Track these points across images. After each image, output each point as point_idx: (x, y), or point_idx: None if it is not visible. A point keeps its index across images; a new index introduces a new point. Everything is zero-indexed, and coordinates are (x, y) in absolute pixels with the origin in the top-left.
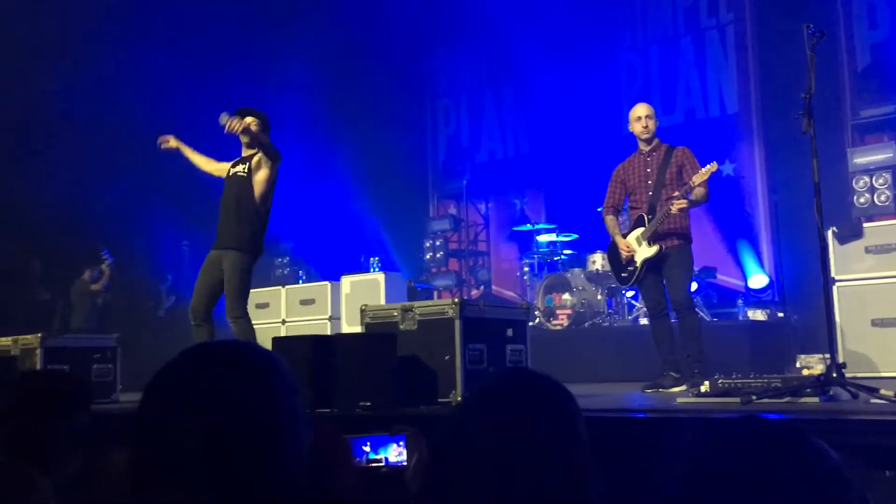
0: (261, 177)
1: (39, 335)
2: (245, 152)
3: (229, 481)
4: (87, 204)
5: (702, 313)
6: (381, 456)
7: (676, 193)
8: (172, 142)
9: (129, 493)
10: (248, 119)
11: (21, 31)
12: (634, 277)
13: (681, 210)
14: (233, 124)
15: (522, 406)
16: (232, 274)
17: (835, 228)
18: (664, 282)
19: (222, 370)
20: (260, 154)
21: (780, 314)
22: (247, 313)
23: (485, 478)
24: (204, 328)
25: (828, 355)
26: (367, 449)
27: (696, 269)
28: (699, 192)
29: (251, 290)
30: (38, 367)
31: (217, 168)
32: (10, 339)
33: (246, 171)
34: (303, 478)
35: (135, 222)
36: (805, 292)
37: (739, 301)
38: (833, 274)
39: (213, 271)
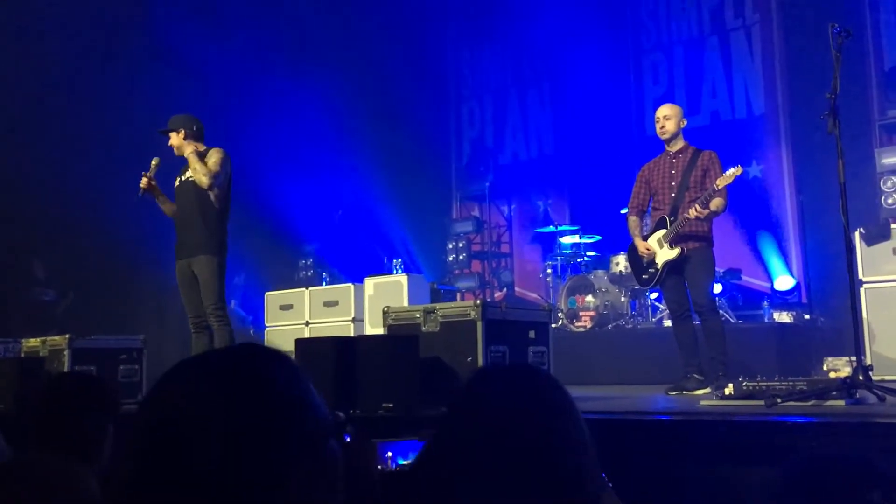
0: (220, 182)
1: (67, 336)
2: (178, 154)
3: (232, 481)
4: (93, 203)
5: (727, 315)
6: (409, 461)
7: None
8: (144, 182)
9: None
10: (173, 142)
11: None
12: (656, 279)
13: (698, 217)
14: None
15: (508, 402)
16: (209, 277)
17: (862, 230)
18: (686, 284)
19: (222, 377)
20: (211, 157)
21: (807, 316)
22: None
23: (476, 476)
24: (205, 334)
25: (854, 358)
26: (392, 454)
27: (721, 270)
28: (718, 202)
29: (276, 292)
30: (66, 368)
31: (167, 206)
32: (38, 340)
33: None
34: (349, 474)
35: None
36: (832, 294)
37: (765, 303)
38: (860, 276)
39: (190, 280)
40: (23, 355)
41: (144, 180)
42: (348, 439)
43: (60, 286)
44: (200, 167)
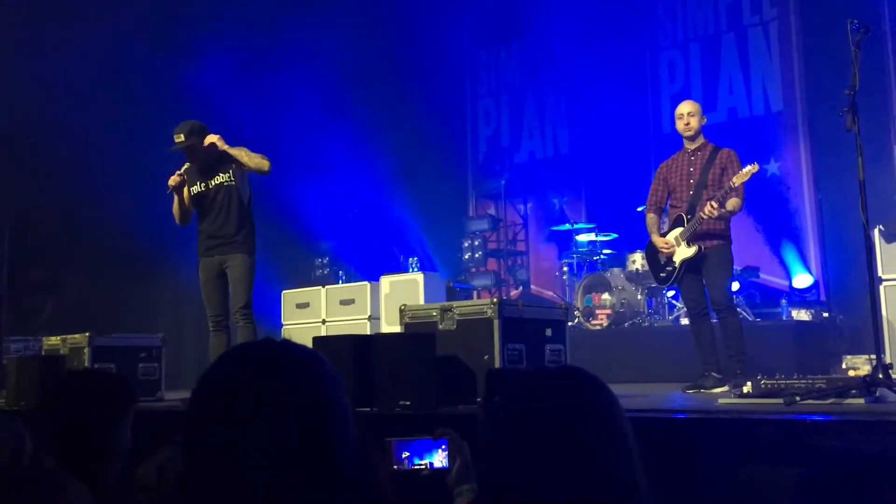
0: (245, 181)
1: (87, 334)
2: (191, 161)
3: (282, 479)
4: (112, 203)
5: (745, 313)
6: (425, 461)
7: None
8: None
9: (178, 492)
10: (215, 141)
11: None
12: (673, 277)
13: (712, 216)
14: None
15: (561, 405)
16: (245, 275)
17: (881, 227)
18: (704, 282)
19: (271, 368)
20: (235, 149)
21: (826, 314)
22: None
23: (531, 479)
24: (224, 334)
25: (874, 356)
26: (409, 454)
27: (739, 268)
28: (734, 201)
29: (293, 290)
30: (86, 365)
31: (179, 205)
32: (58, 338)
33: (230, 179)
34: (352, 474)
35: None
36: (851, 292)
37: (783, 301)
38: (880, 273)
39: (216, 278)
40: (43, 353)
41: (178, 178)
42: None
43: (77, 291)
44: (249, 156)
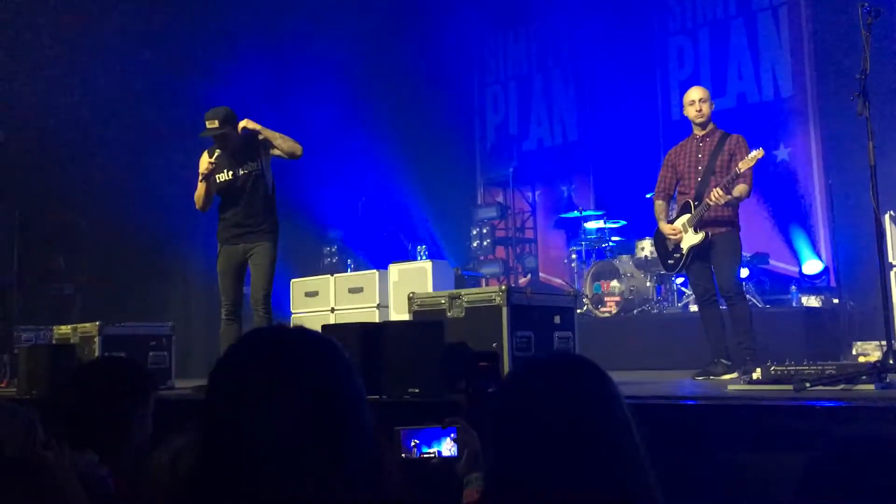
0: (270, 171)
1: (98, 323)
2: (220, 148)
3: (296, 465)
4: (122, 193)
5: (754, 300)
6: (433, 449)
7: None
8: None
9: (195, 477)
10: (252, 126)
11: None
12: (681, 264)
13: (719, 202)
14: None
15: (559, 393)
16: (268, 262)
17: (892, 212)
18: (712, 269)
19: (284, 354)
20: (272, 146)
21: (836, 300)
22: None
23: (533, 468)
24: (236, 324)
25: (885, 342)
26: (418, 442)
27: (748, 255)
28: (741, 188)
29: (302, 279)
30: (97, 354)
31: (206, 191)
32: (69, 327)
33: (258, 168)
34: (367, 461)
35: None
36: (861, 278)
37: (793, 287)
38: (890, 259)
39: (237, 267)
40: (54, 342)
41: (211, 166)
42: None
43: (79, 280)
44: (283, 140)
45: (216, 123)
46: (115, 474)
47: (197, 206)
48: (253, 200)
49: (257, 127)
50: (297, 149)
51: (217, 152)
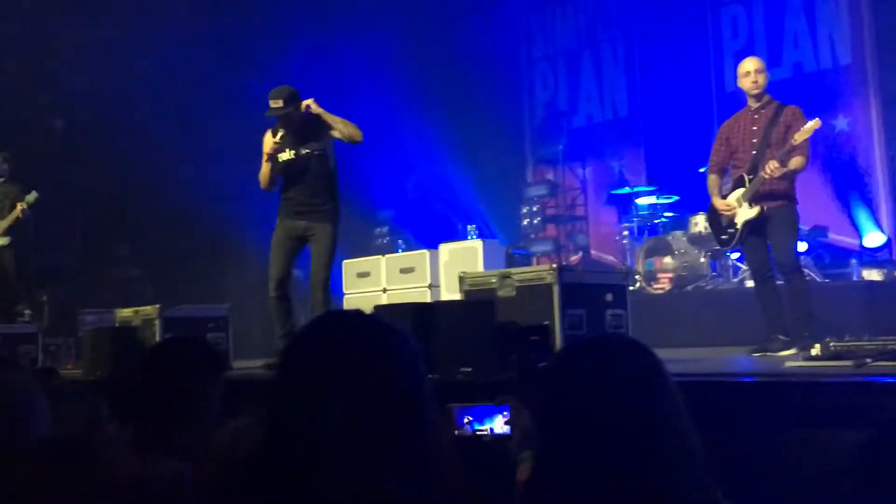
0: (333, 152)
1: (158, 306)
2: (284, 127)
3: (362, 451)
4: (178, 177)
5: (813, 274)
6: (486, 427)
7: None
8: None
9: (256, 456)
10: (314, 108)
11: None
12: (736, 239)
13: (774, 175)
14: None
15: (605, 374)
16: (330, 244)
17: None
18: (768, 243)
19: (359, 339)
20: (328, 116)
21: None
22: None
23: (581, 448)
24: (285, 300)
25: None
26: (471, 419)
27: (806, 228)
28: (797, 160)
29: (353, 260)
30: (157, 336)
31: (270, 171)
32: (131, 310)
33: (321, 148)
34: (422, 450)
35: (230, 196)
36: None
37: (853, 261)
38: None
39: (293, 241)
40: (117, 325)
41: (276, 146)
42: None
43: (145, 264)
44: (344, 124)
45: (280, 103)
46: (185, 455)
47: (262, 186)
48: (315, 180)
49: (319, 110)
50: (357, 134)
51: (281, 132)
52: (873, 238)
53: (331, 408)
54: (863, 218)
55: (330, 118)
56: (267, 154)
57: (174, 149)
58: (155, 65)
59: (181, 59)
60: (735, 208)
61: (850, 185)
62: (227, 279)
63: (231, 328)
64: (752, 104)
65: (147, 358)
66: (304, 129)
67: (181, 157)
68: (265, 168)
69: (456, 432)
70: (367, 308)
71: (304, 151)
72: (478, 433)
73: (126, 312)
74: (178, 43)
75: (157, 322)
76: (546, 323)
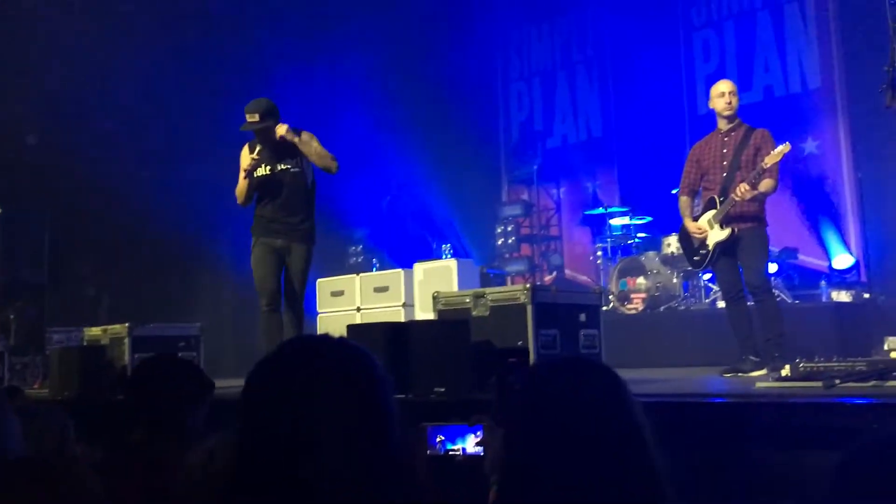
0: (311, 169)
1: (127, 325)
2: (262, 142)
3: (330, 476)
4: (149, 194)
5: (783, 295)
6: (458, 446)
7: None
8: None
9: (231, 481)
10: (283, 134)
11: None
12: (707, 261)
13: (745, 198)
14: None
15: (569, 398)
16: (305, 267)
17: None
18: (739, 265)
19: (322, 367)
20: (306, 136)
21: (866, 295)
22: None
23: (545, 471)
24: (278, 314)
25: None
26: (443, 439)
27: (776, 250)
28: (767, 182)
29: (328, 279)
30: (127, 355)
31: (248, 187)
32: (99, 328)
33: (298, 164)
34: (394, 472)
35: (203, 214)
36: (892, 272)
37: (823, 282)
38: None
39: (274, 255)
40: (85, 343)
41: (254, 161)
42: None
43: (114, 282)
44: (319, 156)
45: (256, 117)
46: (171, 473)
47: (239, 202)
48: (291, 197)
49: (294, 139)
50: (333, 166)
51: (259, 147)
52: (842, 260)
53: (296, 433)
54: (832, 240)
55: (305, 147)
56: (244, 170)
57: (145, 166)
58: (127, 82)
59: (154, 78)
60: (706, 231)
61: (819, 207)
62: (200, 298)
63: (203, 347)
64: (723, 126)
65: (131, 377)
66: (281, 145)
67: (153, 174)
68: (243, 184)
69: (428, 452)
70: (341, 327)
71: (280, 167)
72: (450, 453)
73: (95, 331)
74: (152, 61)
75: (126, 341)
76: (524, 345)
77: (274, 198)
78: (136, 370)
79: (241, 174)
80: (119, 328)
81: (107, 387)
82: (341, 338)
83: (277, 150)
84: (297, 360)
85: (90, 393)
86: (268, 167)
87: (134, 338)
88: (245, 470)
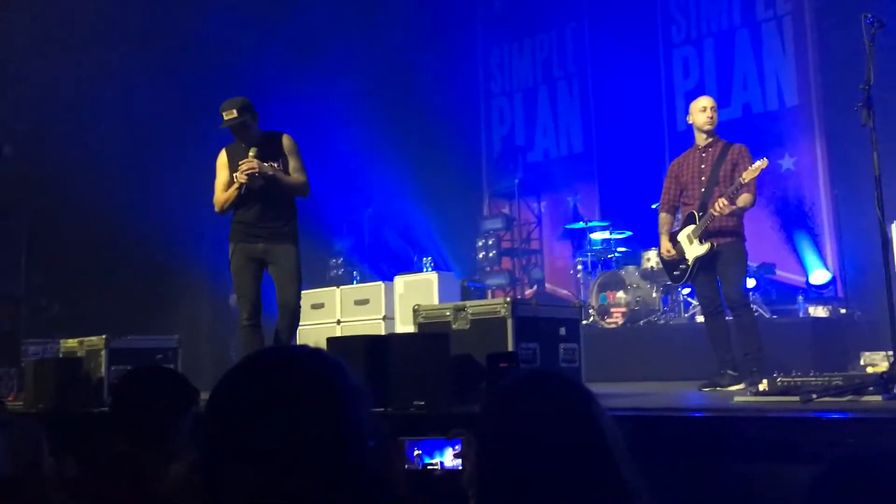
0: (294, 166)
1: (104, 337)
2: (241, 140)
3: (294, 490)
4: (127, 206)
5: (761, 310)
6: (436, 460)
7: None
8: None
9: (197, 497)
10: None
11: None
12: (687, 275)
13: (723, 213)
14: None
15: (538, 413)
16: (295, 264)
17: None
18: (718, 279)
19: (292, 378)
20: (288, 143)
21: (843, 310)
22: None
23: (517, 486)
24: (259, 329)
25: (892, 352)
26: (420, 452)
27: (754, 265)
28: (745, 197)
29: (308, 291)
30: (104, 367)
31: (228, 191)
32: (76, 340)
33: (279, 166)
34: (364, 486)
35: (182, 226)
36: (869, 288)
37: (800, 297)
38: None
39: (255, 263)
40: (61, 356)
41: (249, 164)
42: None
43: (91, 293)
44: (290, 186)
45: (234, 113)
46: (152, 484)
47: (217, 209)
48: (273, 200)
49: (268, 172)
50: (303, 193)
51: (254, 150)
52: (819, 275)
53: (264, 446)
54: (809, 256)
55: (279, 175)
56: (242, 181)
57: (123, 178)
58: (107, 96)
59: (130, 89)
60: (674, 253)
61: (796, 223)
62: (177, 310)
63: (180, 360)
64: (701, 142)
65: (116, 387)
66: (261, 146)
67: (130, 186)
68: (231, 191)
69: (406, 466)
70: (321, 340)
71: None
72: (428, 467)
73: (71, 343)
74: (127, 72)
75: (103, 353)
76: (514, 351)
77: (254, 201)
78: (121, 381)
79: (218, 180)
80: (96, 340)
81: (83, 399)
82: (315, 348)
83: (259, 151)
84: (266, 371)
85: (66, 405)
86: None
87: (111, 350)
88: (211, 486)
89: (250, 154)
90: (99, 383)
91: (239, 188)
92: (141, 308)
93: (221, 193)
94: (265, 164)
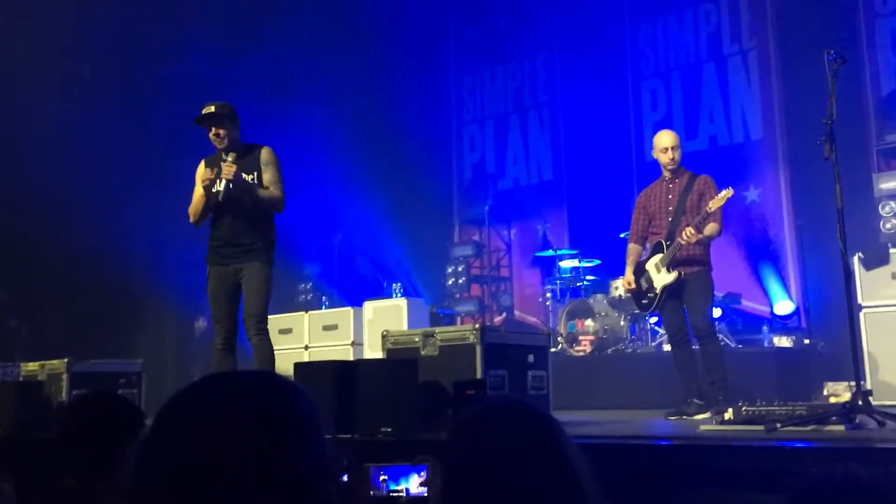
0: (270, 178)
1: (66, 360)
2: (228, 154)
3: None
4: (89, 228)
5: (726, 340)
6: (402, 486)
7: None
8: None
9: None
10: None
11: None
12: (655, 304)
13: (691, 241)
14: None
15: (503, 444)
16: (261, 283)
17: (861, 254)
18: (685, 308)
19: (242, 402)
20: (266, 155)
21: (807, 341)
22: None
23: None
24: (232, 354)
25: (854, 383)
26: (386, 478)
27: (720, 295)
28: (712, 227)
29: (276, 316)
30: (65, 391)
31: (199, 197)
32: (37, 364)
33: (255, 180)
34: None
35: (147, 249)
36: (832, 319)
37: (765, 327)
38: (860, 300)
39: (230, 285)
40: (21, 379)
41: (228, 168)
42: (345, 478)
43: (54, 316)
44: (266, 200)
45: (212, 108)
46: None
47: (192, 220)
48: (248, 214)
49: (242, 182)
50: (277, 208)
51: (232, 155)
52: (783, 306)
53: (206, 474)
54: (773, 286)
55: (249, 187)
56: (230, 175)
57: (87, 200)
58: (68, 118)
59: (94, 113)
60: (653, 275)
61: (761, 254)
62: (142, 334)
63: (144, 384)
64: (667, 174)
65: (62, 414)
66: (239, 158)
67: (94, 208)
68: (201, 198)
69: (371, 493)
70: (288, 365)
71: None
72: (393, 494)
73: (32, 366)
74: (91, 97)
75: (64, 377)
76: (481, 378)
77: (231, 214)
78: (66, 409)
79: (196, 192)
80: (57, 363)
81: (42, 424)
82: (268, 372)
83: (237, 159)
84: (213, 395)
85: (25, 430)
86: (222, 182)
87: (72, 374)
88: None
89: (229, 158)
90: (59, 408)
91: (215, 195)
92: (105, 332)
93: (195, 204)
94: (241, 174)
